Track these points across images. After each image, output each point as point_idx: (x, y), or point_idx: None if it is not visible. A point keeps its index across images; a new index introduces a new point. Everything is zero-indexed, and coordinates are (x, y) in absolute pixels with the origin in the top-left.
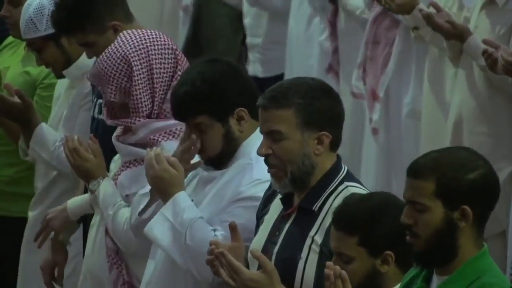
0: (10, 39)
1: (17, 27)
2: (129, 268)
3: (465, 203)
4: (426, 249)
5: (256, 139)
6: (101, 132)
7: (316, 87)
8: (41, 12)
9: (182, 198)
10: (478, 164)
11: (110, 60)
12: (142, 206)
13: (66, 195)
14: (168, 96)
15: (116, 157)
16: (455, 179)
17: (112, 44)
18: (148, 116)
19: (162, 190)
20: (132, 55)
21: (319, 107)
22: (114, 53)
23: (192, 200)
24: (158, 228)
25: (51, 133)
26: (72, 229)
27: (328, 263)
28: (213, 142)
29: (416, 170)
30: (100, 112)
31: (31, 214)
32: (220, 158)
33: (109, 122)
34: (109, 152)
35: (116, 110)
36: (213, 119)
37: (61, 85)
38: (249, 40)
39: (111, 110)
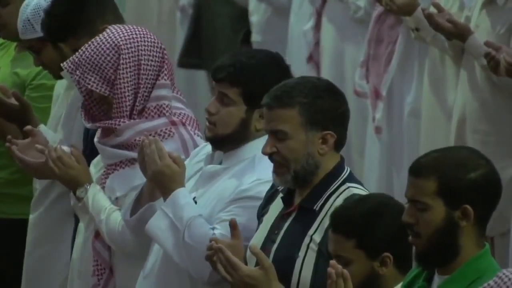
0: (1, 40)
1: (6, 27)
2: (112, 278)
3: (467, 203)
4: (427, 249)
5: (262, 142)
6: (91, 137)
7: (321, 87)
8: (39, 13)
9: (182, 194)
10: (479, 164)
11: (98, 48)
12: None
13: (65, 196)
14: (153, 94)
15: (95, 160)
16: (456, 178)
17: (101, 34)
18: (130, 112)
19: (163, 186)
20: (123, 47)
21: (323, 107)
22: (103, 42)
23: (194, 198)
24: (158, 225)
25: (50, 135)
26: None
27: (332, 262)
28: (229, 120)
29: (417, 169)
30: None
31: (31, 216)
32: (224, 141)
33: (89, 125)
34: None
35: (94, 110)
36: (242, 99)
37: (61, 85)
38: (254, 37)
39: (89, 111)
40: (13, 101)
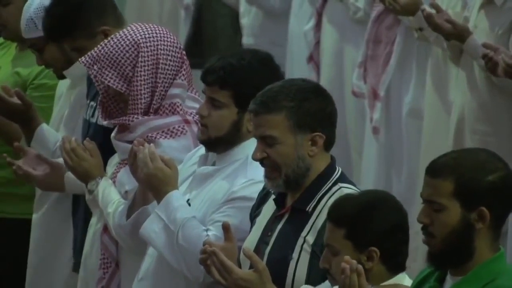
0: (1, 39)
1: (7, 27)
2: (117, 273)
3: (483, 205)
4: (441, 249)
5: (254, 143)
6: (91, 135)
7: (307, 88)
8: (42, 12)
9: (175, 197)
10: (497, 166)
11: (117, 44)
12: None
13: (68, 195)
14: (170, 92)
15: (111, 158)
16: (474, 180)
17: (121, 31)
18: (146, 110)
19: (155, 189)
20: (142, 45)
21: (310, 109)
22: (123, 38)
23: (188, 200)
24: (152, 228)
25: (52, 133)
26: None
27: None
28: (221, 123)
29: (435, 169)
30: (92, 115)
31: (35, 215)
32: (217, 143)
33: (105, 123)
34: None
35: (112, 108)
36: (233, 102)
37: (63, 84)
38: (245, 40)
39: (106, 109)
40: (15, 100)
